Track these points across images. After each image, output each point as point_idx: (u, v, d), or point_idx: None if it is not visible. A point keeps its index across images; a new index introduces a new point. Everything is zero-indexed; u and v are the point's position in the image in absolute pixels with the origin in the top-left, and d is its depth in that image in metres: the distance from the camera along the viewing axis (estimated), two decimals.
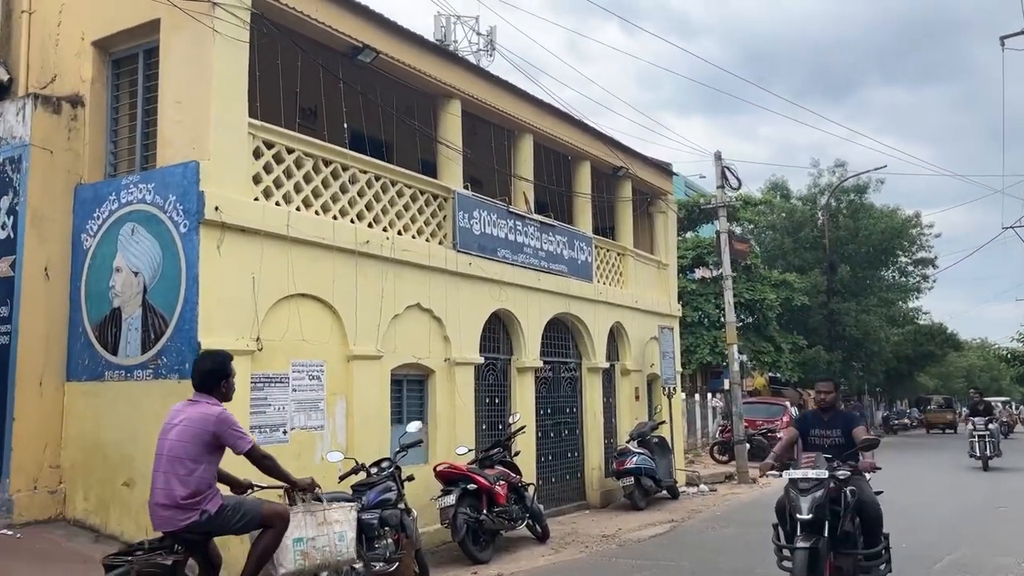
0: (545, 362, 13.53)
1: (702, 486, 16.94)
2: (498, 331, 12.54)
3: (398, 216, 10.67)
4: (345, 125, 9.95)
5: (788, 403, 26.44)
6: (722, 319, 32.45)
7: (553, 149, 14.25)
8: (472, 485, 9.66)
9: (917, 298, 44.14)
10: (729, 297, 19.35)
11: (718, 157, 19.49)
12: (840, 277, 37.61)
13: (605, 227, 16.56)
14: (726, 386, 39.25)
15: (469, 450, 10.66)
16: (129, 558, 5.31)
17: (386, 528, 7.80)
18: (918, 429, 49.82)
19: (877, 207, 40.02)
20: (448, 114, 11.63)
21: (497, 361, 12.42)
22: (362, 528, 7.47)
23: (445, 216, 11.43)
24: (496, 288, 12.05)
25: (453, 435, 10.99)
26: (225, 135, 8.27)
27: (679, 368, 17.94)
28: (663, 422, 15.51)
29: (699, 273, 33.87)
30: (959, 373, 68.49)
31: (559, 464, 13.87)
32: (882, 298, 40.49)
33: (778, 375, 36.21)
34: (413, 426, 8.70)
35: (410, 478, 8.60)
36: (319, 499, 6.33)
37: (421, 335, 10.65)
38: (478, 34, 22.27)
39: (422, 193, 11.09)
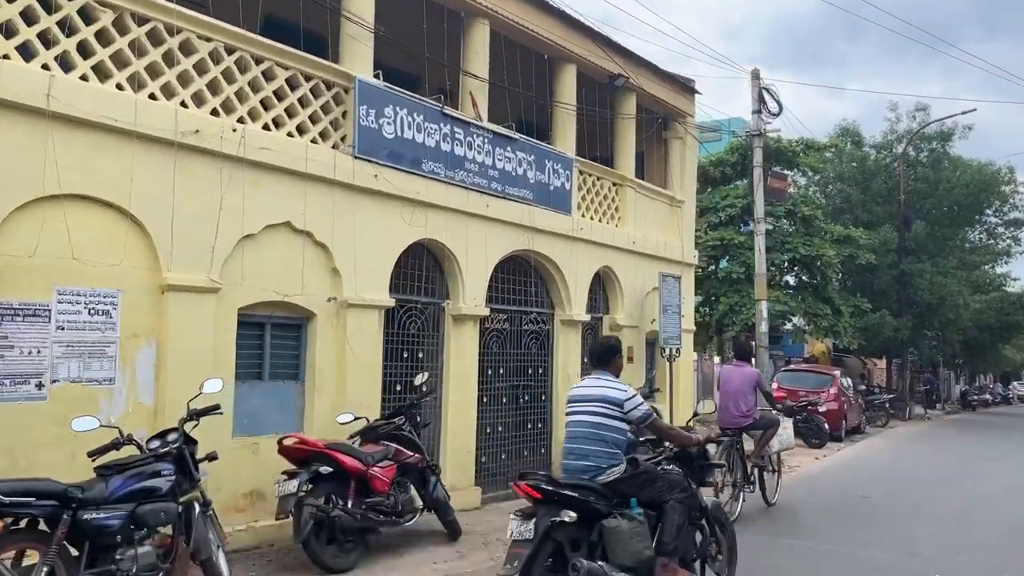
0: (496, 310, 10.81)
1: None
2: (428, 268, 9.85)
3: (266, 106, 8.01)
4: None
5: (838, 373, 23.08)
6: (776, 276, 29.36)
7: (525, 45, 11.33)
8: (326, 468, 7.08)
9: (1006, 263, 39.54)
10: (760, 244, 16.19)
11: (755, 76, 16.19)
12: (915, 234, 33.51)
13: (607, 157, 13.59)
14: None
15: (357, 418, 8.08)
16: None
17: (144, 531, 5.32)
18: (1001, 406, 45.37)
19: (964, 159, 35.55)
20: None
21: (423, 306, 9.75)
22: (84, 533, 5.04)
23: (345, 113, 8.72)
24: (418, 211, 9.33)
25: (342, 398, 8.42)
26: None
27: (689, 326, 14.96)
28: (657, 390, 12.65)
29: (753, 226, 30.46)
30: None
31: (515, 437, 11.20)
32: (963, 260, 36.16)
33: (836, 341, 32.66)
34: (211, 385, 6.11)
35: (210, 457, 6.04)
36: None
37: (292, 265, 8.04)
38: None
39: (307, 79, 8.39)
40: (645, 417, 5.76)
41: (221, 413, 6.17)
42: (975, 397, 45.06)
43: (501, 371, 10.94)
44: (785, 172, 24.20)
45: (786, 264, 29.32)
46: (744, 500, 10.09)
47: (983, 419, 34.75)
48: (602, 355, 6.10)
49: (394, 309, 9.27)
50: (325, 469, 7.06)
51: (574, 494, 5.45)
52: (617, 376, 5.98)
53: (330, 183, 8.33)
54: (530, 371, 11.44)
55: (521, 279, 11.30)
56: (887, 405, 29.73)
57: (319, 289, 8.31)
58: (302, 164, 8.02)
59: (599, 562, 5.27)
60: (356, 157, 8.60)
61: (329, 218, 8.33)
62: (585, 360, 12.23)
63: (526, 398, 11.37)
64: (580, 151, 12.47)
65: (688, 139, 14.93)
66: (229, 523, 7.31)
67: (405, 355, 9.48)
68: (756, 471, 10.47)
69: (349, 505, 7.23)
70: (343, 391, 8.44)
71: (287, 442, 7.16)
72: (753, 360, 14.97)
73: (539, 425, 11.60)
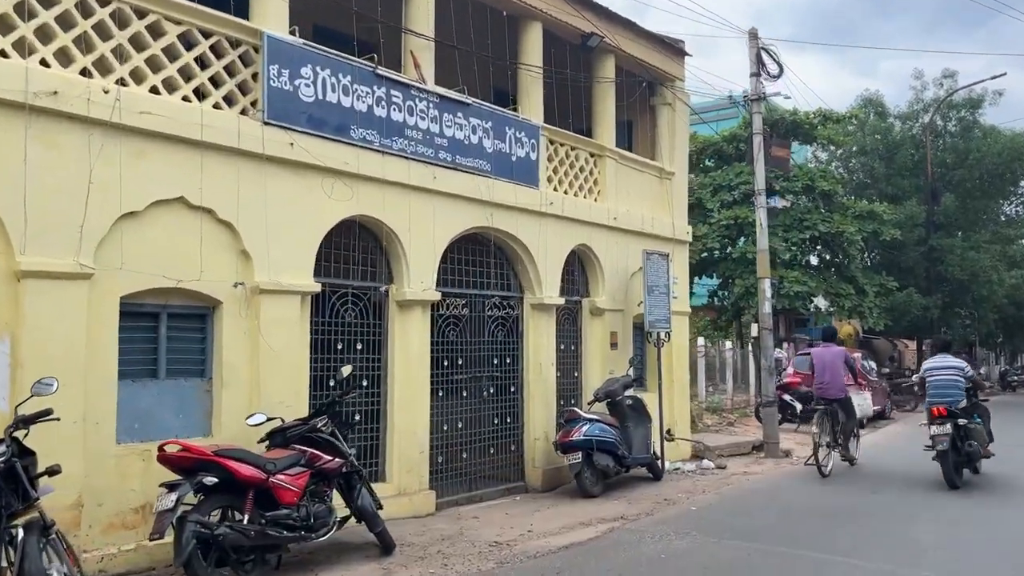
0: (451, 295, 9.78)
1: (706, 461, 12.90)
2: (367, 249, 8.84)
3: (155, 67, 7.02)
4: None
5: (858, 355, 21.71)
6: (797, 256, 27.98)
7: (480, 1, 10.24)
8: (211, 479, 6.09)
9: None
10: (762, 218, 14.93)
11: (753, 35, 14.90)
12: (944, 208, 31.85)
13: (587, 128, 12.45)
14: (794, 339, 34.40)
15: (270, 419, 7.09)
16: None
17: None
18: None
19: (996, 127, 33.71)
20: None
21: (360, 291, 8.73)
22: None
23: (256, 75, 7.71)
24: (347, 184, 8.30)
25: (257, 397, 7.44)
26: None
27: (683, 308, 13.78)
28: (638, 378, 11.52)
29: (778, 202, 28.98)
30: None
31: (479, 434, 10.16)
32: (997, 234, 34.39)
33: (863, 323, 31.17)
34: (42, 386, 5.16)
35: (51, 471, 5.07)
36: None
37: (188, 247, 7.05)
38: None
39: (206, 35, 7.39)
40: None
41: (57, 419, 5.18)
42: (1015, 377, 43.09)
43: (460, 362, 9.90)
44: (792, 142, 22.79)
45: (807, 242, 27.95)
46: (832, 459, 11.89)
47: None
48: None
49: (323, 295, 8.28)
50: (210, 480, 6.07)
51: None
52: None
53: (234, 153, 7.33)
54: (495, 361, 10.38)
55: (482, 260, 10.25)
56: (916, 388, 28.18)
57: (225, 274, 7.33)
58: (196, 131, 7.02)
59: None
60: (266, 123, 7.59)
61: (234, 193, 7.33)
62: (562, 347, 11.19)
63: (491, 391, 10.32)
64: (554, 121, 11.37)
65: (678, 105, 13.72)
66: (116, 542, 6.43)
67: (339, 346, 8.47)
68: (843, 436, 12.28)
69: (245, 520, 6.25)
70: (258, 389, 7.46)
71: (169, 449, 6.17)
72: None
73: (508, 420, 10.54)
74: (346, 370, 7.51)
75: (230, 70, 7.60)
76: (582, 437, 10.07)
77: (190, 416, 7.16)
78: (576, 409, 10.49)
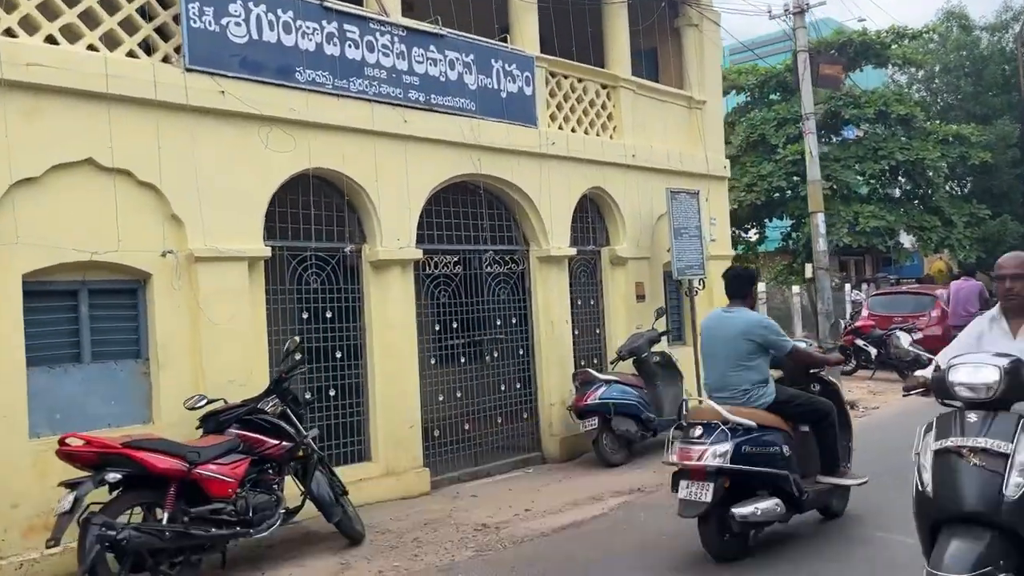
0: (438, 252, 8.83)
1: None
2: (331, 206, 7.94)
3: (51, 13, 6.22)
4: None
5: (941, 293, 19.79)
6: (877, 189, 25.92)
7: None
8: (115, 474, 5.34)
9: None
10: (812, 144, 13.35)
11: None
12: None
13: (600, 59, 11.19)
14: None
15: (209, 401, 6.32)
16: None
17: None
18: None
19: None
20: None
21: (324, 253, 7.85)
22: None
23: (177, 17, 6.84)
24: (295, 134, 7.40)
25: (200, 377, 6.69)
26: None
27: (725, 251, 12.48)
28: (666, 331, 10.36)
29: (854, 133, 26.86)
30: None
31: (483, 403, 9.24)
32: None
33: (957, 257, 28.85)
34: None
35: None
36: None
37: (103, 215, 6.28)
38: None
39: None
40: None
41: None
42: None
43: (454, 325, 8.96)
44: (864, 65, 20.68)
45: (885, 173, 25.85)
46: None
47: None
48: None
49: (280, 259, 7.45)
50: (114, 475, 5.32)
51: None
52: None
53: (151, 105, 6.50)
54: (499, 322, 9.41)
55: (475, 211, 9.24)
56: None
57: (152, 242, 6.55)
58: (101, 83, 6.21)
59: None
60: (189, 70, 6.72)
61: (154, 151, 6.52)
62: (579, 303, 10.13)
63: (495, 355, 9.36)
64: (557, 52, 10.19)
65: (706, 25, 12.29)
66: (38, 545, 5.75)
67: (305, 315, 7.65)
68: None
69: (166, 518, 5.50)
70: (201, 368, 6.70)
71: (70, 443, 5.44)
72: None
73: (517, 386, 9.57)
74: (290, 343, 6.65)
75: (149, 14, 6.75)
76: (597, 400, 9.04)
77: (125, 402, 6.45)
78: (590, 370, 9.44)
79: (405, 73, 8.30)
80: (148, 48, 6.72)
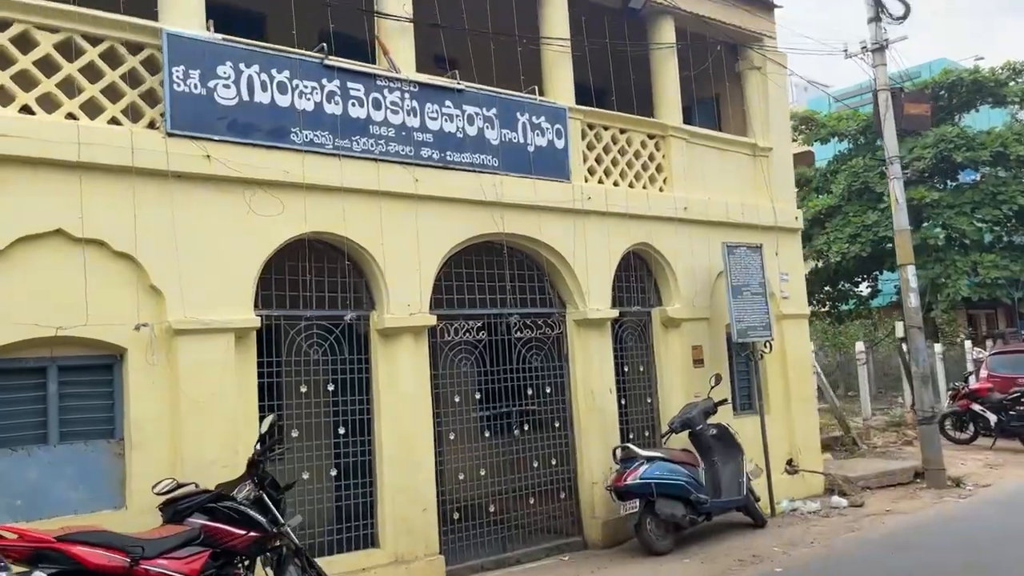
0: (463, 316, 8.22)
1: (836, 498, 10.35)
2: (337, 271, 7.48)
3: (29, 83, 6.08)
4: None
5: None
6: (1002, 237, 23.89)
7: None
8: (40, 574, 4.88)
9: None
10: (897, 191, 12.06)
11: None
12: None
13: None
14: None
15: (180, 485, 5.85)
16: None
17: None
18: None
19: None
20: None
21: (327, 321, 7.36)
22: None
23: (162, 81, 6.61)
24: (291, 197, 7.00)
25: (177, 459, 6.25)
26: None
27: (800, 310, 11.35)
28: (723, 401, 9.33)
29: (973, 176, 24.86)
30: None
31: (512, 482, 8.47)
32: None
33: None
34: None
35: None
36: None
37: (73, 287, 5.99)
38: None
39: (94, 42, 6.37)
40: None
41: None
42: None
43: (477, 396, 8.30)
44: (925, 92, 19.03)
45: (1010, 219, 23.79)
46: None
47: None
48: None
49: (274, 329, 7.01)
50: (41, 574, 4.87)
51: None
52: None
53: (128, 172, 6.23)
54: (530, 391, 8.66)
55: (500, 272, 8.60)
56: None
57: (128, 315, 6.21)
58: (71, 151, 5.99)
59: None
60: (171, 134, 6.45)
61: (130, 219, 6.22)
62: (626, 369, 9.30)
63: (525, 428, 8.60)
64: (604, 102, 9.63)
65: (770, 67, 11.41)
66: None
67: (303, 389, 7.15)
68: None
69: None
70: (179, 449, 6.27)
71: (3, 535, 5.04)
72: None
73: (553, 462, 8.75)
74: (266, 422, 6.12)
75: (135, 79, 6.56)
76: (639, 480, 8.14)
77: (96, 486, 6.06)
78: (631, 445, 8.53)
79: (417, 130, 7.84)
80: (134, 114, 6.50)
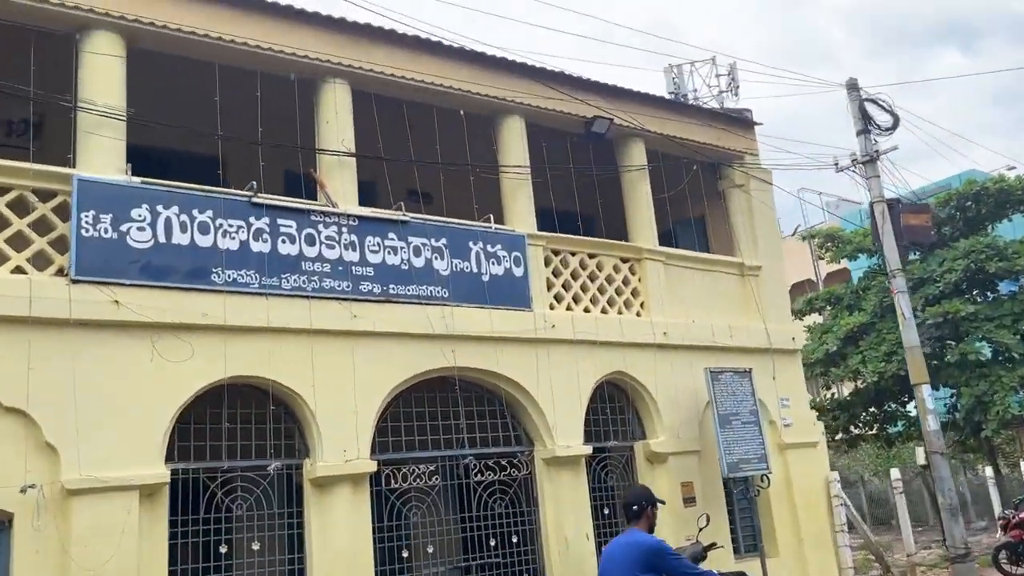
0: (412, 460, 7.59)
1: None
2: (264, 417, 6.96)
3: None
4: None
5: None
6: None
7: (419, 101, 8.58)
8: None
9: None
10: (904, 304, 11.32)
11: (853, 87, 11.95)
12: None
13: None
14: None
15: None
16: None
17: None
18: None
19: None
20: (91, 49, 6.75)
21: (252, 472, 6.80)
22: None
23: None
24: (209, 341, 6.61)
25: None
26: None
27: (808, 437, 10.44)
28: (712, 545, 8.35)
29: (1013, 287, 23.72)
30: None
31: None
32: None
33: None
34: None
35: None
36: None
37: None
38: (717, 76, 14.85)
39: (3, 191, 6.22)
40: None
41: None
42: None
43: (430, 549, 7.54)
44: (925, 202, 18.34)
45: None
46: None
47: None
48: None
49: (190, 484, 6.46)
50: None
51: None
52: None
53: (23, 323, 5.92)
54: (493, 542, 7.87)
55: (456, 409, 8.01)
56: None
57: (18, 476, 5.75)
58: None
59: None
60: (75, 281, 6.16)
61: (22, 372, 5.86)
62: (606, 512, 8.48)
63: None
64: (571, 227, 9.28)
65: (754, 184, 11.00)
66: None
67: (224, 549, 6.51)
68: None
69: None
70: None
71: None
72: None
73: None
74: None
75: (47, 226, 6.36)
76: None
77: None
78: None
79: (356, 264, 7.50)
80: (44, 262, 6.26)
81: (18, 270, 6.14)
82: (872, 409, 26.31)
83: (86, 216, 6.32)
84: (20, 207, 6.29)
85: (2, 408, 5.79)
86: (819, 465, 10.74)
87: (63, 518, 5.80)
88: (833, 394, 25.18)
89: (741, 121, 11.13)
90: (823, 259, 28.74)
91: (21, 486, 5.71)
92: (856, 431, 25.17)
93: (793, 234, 32.33)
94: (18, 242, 6.22)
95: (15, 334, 5.89)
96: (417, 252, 7.90)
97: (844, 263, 28.73)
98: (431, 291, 7.86)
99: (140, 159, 6.87)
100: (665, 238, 10.31)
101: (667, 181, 10.33)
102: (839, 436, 23.69)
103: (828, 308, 25.25)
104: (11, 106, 7.33)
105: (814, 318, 24.42)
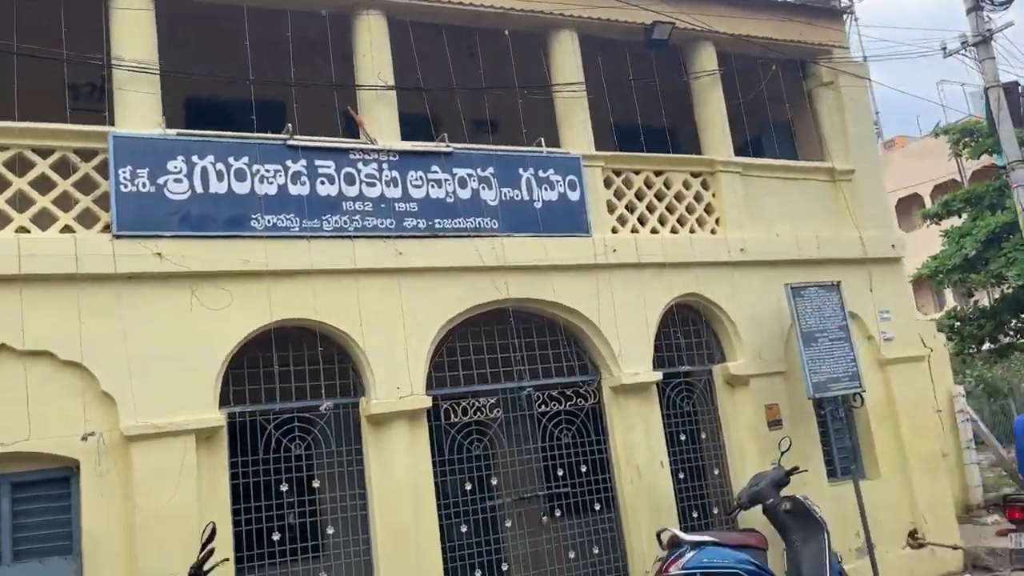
0: (471, 394, 7.52)
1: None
2: (316, 358, 7.03)
3: None
4: None
5: None
6: None
7: (464, 26, 8.26)
8: None
9: None
10: (1022, 200, 10.15)
11: None
12: None
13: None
14: None
15: None
16: None
17: None
18: None
19: None
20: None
21: (307, 413, 6.90)
22: None
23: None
24: (252, 286, 6.69)
25: (135, 573, 5.94)
26: None
27: (912, 351, 9.66)
28: (795, 469, 7.90)
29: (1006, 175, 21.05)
30: None
31: (543, 575, 7.52)
32: None
33: None
34: None
35: None
36: None
37: (12, 401, 5.90)
38: None
39: (44, 154, 6.42)
40: None
41: None
42: None
43: (493, 481, 7.50)
44: None
45: None
46: None
47: None
48: None
49: (248, 426, 6.64)
50: None
51: None
52: None
53: (72, 280, 6.15)
54: (561, 472, 7.75)
55: (515, 341, 7.84)
56: None
57: (80, 425, 6.06)
58: (13, 265, 5.97)
59: None
60: (118, 236, 6.33)
61: (75, 327, 6.11)
62: (682, 438, 8.23)
63: (557, 514, 7.67)
64: (635, 144, 8.83)
65: (844, 79, 10.06)
66: None
67: (284, 488, 6.69)
68: None
69: None
70: (136, 564, 5.95)
71: None
72: None
73: (595, 551, 7.74)
74: (205, 529, 5.67)
75: (92, 184, 6.54)
76: (681, 571, 6.95)
77: None
78: (674, 530, 7.34)
79: (398, 200, 7.37)
80: (90, 220, 6.46)
81: (67, 229, 6.36)
82: (1022, 315, 24.38)
83: (123, 172, 6.45)
84: (64, 168, 6.49)
85: (60, 362, 6.05)
86: (928, 381, 9.96)
87: (124, 463, 6.08)
88: (976, 301, 23.45)
89: (826, 11, 10.14)
90: (960, 156, 26.57)
91: (82, 434, 6.01)
92: (1006, 339, 23.33)
93: (933, 133, 30.00)
94: (65, 202, 6.44)
95: (66, 291, 6.13)
96: (463, 183, 7.68)
97: (993, 159, 26.41)
98: (479, 223, 7.65)
99: (203, 112, 6.95)
100: (743, 149, 9.63)
101: (743, 86, 9.62)
102: (986, 346, 22.03)
103: (969, 209, 23.30)
104: (73, 71, 7.49)
105: (952, 221, 22.64)
